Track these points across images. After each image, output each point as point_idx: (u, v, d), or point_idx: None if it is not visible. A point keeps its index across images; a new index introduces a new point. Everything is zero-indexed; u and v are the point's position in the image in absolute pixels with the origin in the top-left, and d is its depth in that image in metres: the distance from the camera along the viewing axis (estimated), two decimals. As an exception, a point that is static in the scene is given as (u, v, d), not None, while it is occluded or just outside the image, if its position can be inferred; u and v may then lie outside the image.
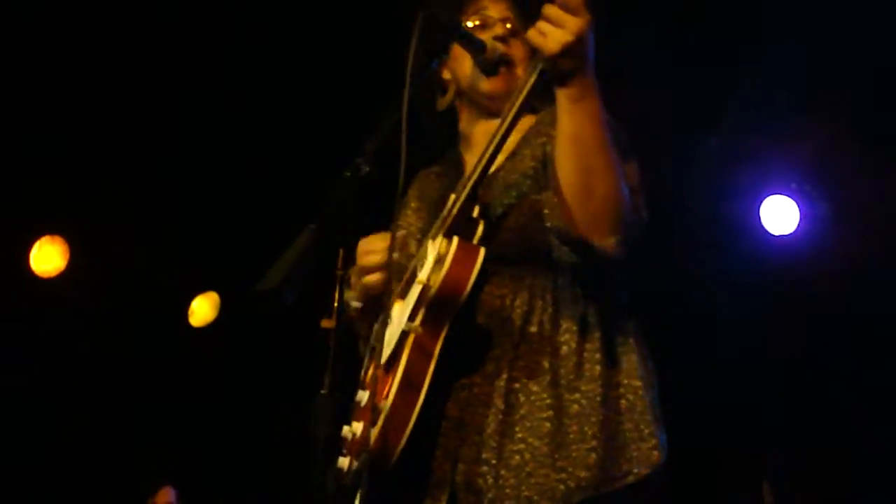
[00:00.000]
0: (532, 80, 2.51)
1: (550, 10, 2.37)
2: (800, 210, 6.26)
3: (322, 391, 2.34)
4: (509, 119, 2.58)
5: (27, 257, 6.97)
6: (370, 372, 2.72)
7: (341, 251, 2.44)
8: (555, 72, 2.43)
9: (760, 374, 6.29)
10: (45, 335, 6.87)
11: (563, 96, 2.45)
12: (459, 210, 2.61)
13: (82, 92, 6.18)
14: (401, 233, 2.90)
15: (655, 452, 2.54)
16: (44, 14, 5.74)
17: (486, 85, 2.85)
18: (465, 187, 2.61)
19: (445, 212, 2.67)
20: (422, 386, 2.48)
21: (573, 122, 2.44)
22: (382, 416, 2.46)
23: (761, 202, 6.30)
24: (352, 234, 2.44)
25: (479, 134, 2.87)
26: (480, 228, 2.60)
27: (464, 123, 2.98)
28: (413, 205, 2.98)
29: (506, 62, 2.84)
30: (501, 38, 2.85)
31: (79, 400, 7.09)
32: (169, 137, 6.42)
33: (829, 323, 6.19)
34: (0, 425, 6.74)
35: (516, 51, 2.85)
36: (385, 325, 2.65)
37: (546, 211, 2.52)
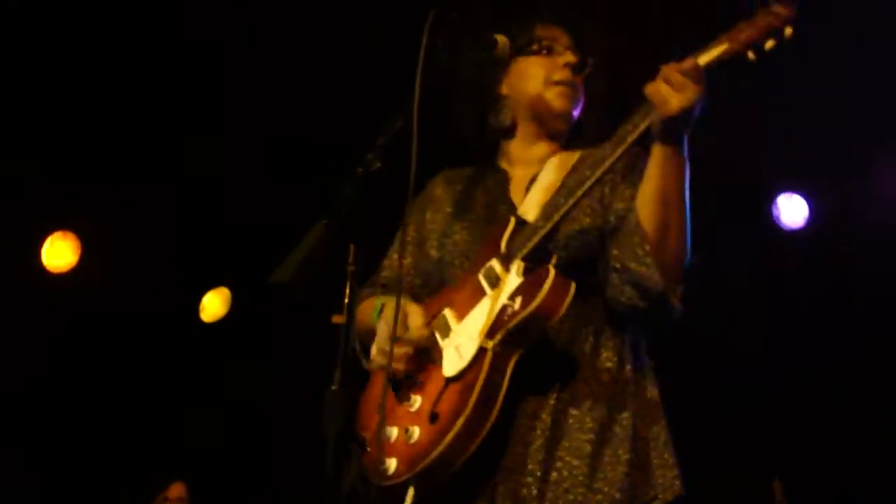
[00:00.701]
0: (640, 130, 2.60)
1: (672, 73, 2.50)
2: (809, 206, 6.28)
3: (332, 387, 2.34)
4: (613, 157, 2.64)
5: (39, 253, 6.99)
6: (419, 378, 2.76)
7: (352, 247, 2.44)
8: (663, 129, 2.55)
9: (771, 371, 6.28)
10: (57, 330, 6.88)
11: (659, 151, 2.57)
12: (543, 238, 2.69)
13: (95, 88, 6.19)
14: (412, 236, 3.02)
15: (678, 482, 2.67)
16: (53, 11, 5.75)
17: (557, 103, 2.96)
18: (550, 217, 2.68)
19: (520, 236, 2.73)
20: (496, 402, 2.56)
21: (662, 178, 2.57)
22: (457, 427, 2.52)
23: (774, 198, 6.32)
24: (363, 230, 2.44)
25: (535, 155, 2.99)
26: (555, 259, 2.68)
27: (516, 141, 3.04)
28: (447, 208, 3.03)
29: (572, 86, 2.96)
30: (571, 67, 2.96)
31: (91, 395, 7.10)
32: (180, 133, 6.43)
33: (838, 317, 6.19)
34: (12, 421, 6.76)
35: (579, 80, 2.98)
36: (445, 332, 2.74)
37: (615, 252, 2.64)
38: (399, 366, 2.71)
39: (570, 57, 2.97)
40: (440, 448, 2.52)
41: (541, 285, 2.57)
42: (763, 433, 6.26)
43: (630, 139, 2.61)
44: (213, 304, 7.63)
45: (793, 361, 6.27)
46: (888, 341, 6.06)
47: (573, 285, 2.60)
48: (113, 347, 7.09)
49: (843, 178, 6.11)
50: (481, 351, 2.60)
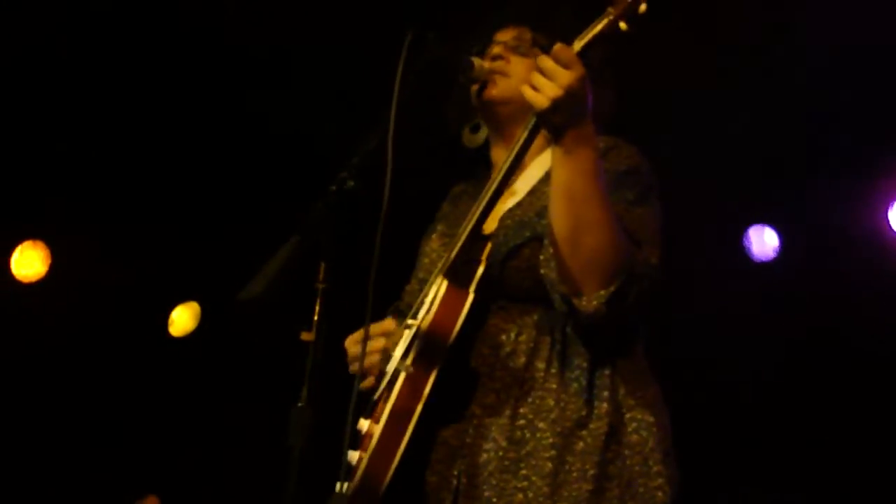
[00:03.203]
0: (525, 135, 2.52)
1: (544, 62, 2.38)
2: (780, 238, 6.33)
3: (299, 404, 2.34)
4: (504, 170, 2.57)
5: (8, 262, 6.95)
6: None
7: (323, 264, 2.44)
8: (546, 126, 2.44)
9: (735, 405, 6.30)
10: (25, 341, 6.84)
11: (555, 147, 2.45)
12: (460, 250, 2.61)
13: (65, 98, 6.17)
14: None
15: (659, 493, 2.52)
16: (27, 18, 5.74)
17: (475, 99, 2.85)
18: (465, 229, 2.61)
19: (449, 250, 2.65)
20: (408, 424, 2.49)
21: (564, 174, 2.44)
22: (369, 451, 2.49)
23: (745, 230, 6.36)
24: (335, 248, 2.44)
25: (498, 160, 2.86)
26: (480, 270, 2.61)
27: (492, 150, 2.98)
28: (439, 227, 2.98)
29: (499, 73, 2.83)
30: (495, 57, 2.84)
31: (59, 409, 7.05)
32: (152, 145, 6.42)
33: (808, 350, 6.23)
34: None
35: (514, 66, 2.83)
36: (387, 358, 2.69)
37: (541, 257, 2.53)
38: (356, 367, 2.68)
39: (495, 49, 2.85)
40: (361, 470, 2.50)
41: (438, 300, 2.53)
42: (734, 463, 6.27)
43: (518, 146, 2.54)
44: (183, 319, 7.60)
45: (766, 389, 6.30)
46: (860, 373, 6.09)
47: (469, 297, 2.53)
48: (81, 358, 7.05)
49: (814, 210, 6.15)
50: (396, 373, 2.57)
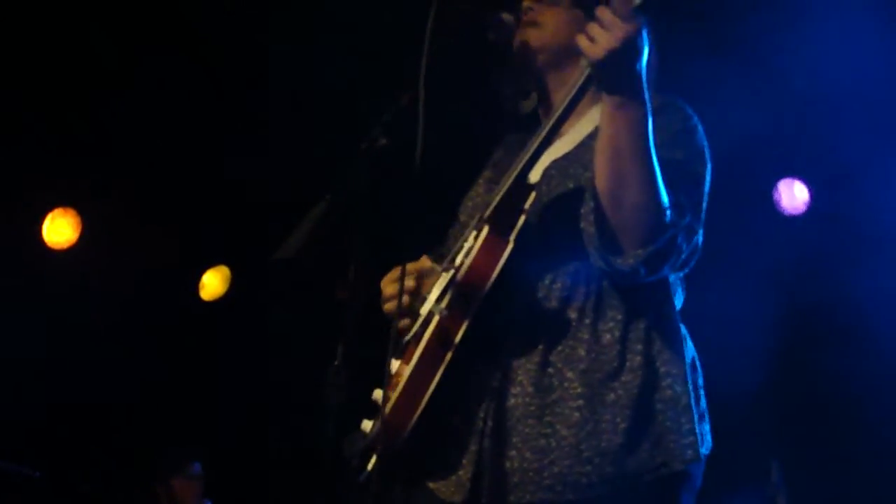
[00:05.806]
0: (578, 84, 2.47)
1: (603, 13, 2.34)
2: (810, 192, 6.30)
3: (335, 362, 2.35)
4: (554, 119, 2.53)
5: (40, 229, 7.00)
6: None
7: (356, 223, 2.44)
8: (599, 77, 2.40)
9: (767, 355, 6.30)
10: (57, 307, 6.89)
11: (606, 101, 2.42)
12: (503, 197, 2.57)
13: (95, 64, 6.19)
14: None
15: (691, 451, 2.50)
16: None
17: (513, 53, 2.80)
18: (509, 177, 2.58)
19: (493, 197, 2.62)
20: (438, 369, 2.48)
21: (612, 129, 2.40)
22: (396, 393, 2.47)
23: (774, 183, 6.34)
24: (368, 206, 2.44)
25: (545, 114, 2.82)
26: (521, 220, 2.56)
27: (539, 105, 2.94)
28: (487, 173, 2.94)
29: (530, 23, 2.78)
30: (526, 10, 2.79)
31: (91, 376, 7.10)
32: (181, 110, 6.43)
33: (836, 303, 6.20)
34: (13, 398, 6.75)
35: (544, 16, 2.78)
36: (422, 300, 2.67)
37: (582, 211, 2.51)
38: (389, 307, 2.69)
39: (525, 2, 2.80)
40: (387, 411, 2.46)
41: (478, 247, 2.51)
42: (761, 415, 6.26)
43: (570, 95, 2.49)
44: (213, 283, 7.64)
45: (791, 344, 6.29)
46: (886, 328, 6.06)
47: (508, 246, 2.51)
48: (113, 324, 7.10)
49: (845, 164, 6.11)
50: (430, 315, 2.55)
